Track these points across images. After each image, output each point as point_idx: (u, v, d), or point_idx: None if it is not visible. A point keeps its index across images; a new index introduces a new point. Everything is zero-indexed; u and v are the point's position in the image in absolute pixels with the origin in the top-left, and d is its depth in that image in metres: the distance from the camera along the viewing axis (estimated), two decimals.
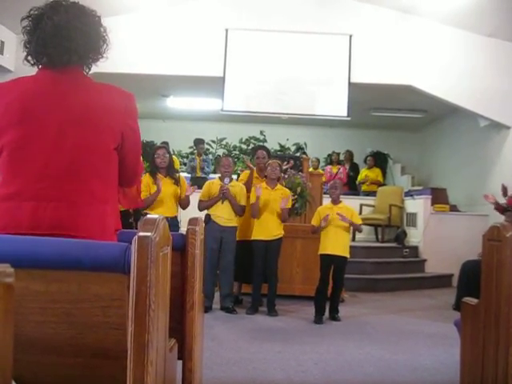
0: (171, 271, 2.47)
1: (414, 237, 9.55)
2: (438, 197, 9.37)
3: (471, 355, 2.88)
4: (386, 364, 4.25)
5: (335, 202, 5.94)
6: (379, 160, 12.24)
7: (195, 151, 11.23)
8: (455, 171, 11.07)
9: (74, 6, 2.01)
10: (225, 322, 5.60)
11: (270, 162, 6.29)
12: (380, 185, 11.24)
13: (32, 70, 2.09)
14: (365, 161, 11.88)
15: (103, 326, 1.56)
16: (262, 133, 12.84)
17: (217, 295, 6.24)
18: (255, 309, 6.05)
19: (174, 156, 11.04)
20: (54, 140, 1.90)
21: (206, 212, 6.18)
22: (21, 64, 2.11)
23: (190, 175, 10.44)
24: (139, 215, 6.19)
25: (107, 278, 1.53)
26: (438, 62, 9.05)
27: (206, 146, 12.26)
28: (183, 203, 6.06)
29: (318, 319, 5.70)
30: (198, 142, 10.99)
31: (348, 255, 5.88)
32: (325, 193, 8.31)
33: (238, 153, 12.89)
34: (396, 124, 12.66)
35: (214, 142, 13.07)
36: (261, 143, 11.58)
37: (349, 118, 9.31)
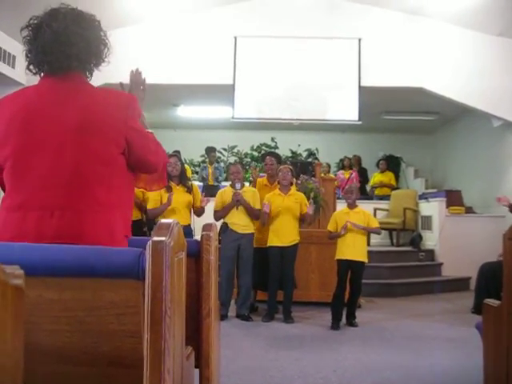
0: (186, 278, 2.45)
1: (430, 240, 9.45)
2: (453, 199, 9.27)
3: (494, 358, 2.81)
4: (406, 369, 4.18)
5: (351, 206, 5.89)
6: (392, 164, 12.15)
7: (207, 160, 11.22)
8: (469, 173, 10.96)
9: (72, 12, 2.00)
10: (241, 330, 5.56)
11: (281, 167, 6.26)
12: (393, 188, 11.15)
13: None
14: (377, 165, 11.80)
15: (118, 333, 1.52)
16: (273, 139, 12.81)
17: (232, 303, 6.20)
18: (271, 316, 6.00)
19: (185, 165, 11.08)
20: (56, 149, 1.89)
21: (222, 221, 6.16)
22: (32, 77, 2.10)
23: (202, 184, 10.42)
24: (152, 224, 6.17)
25: (121, 285, 1.49)
26: (448, 63, 9.00)
27: (218, 154, 12.23)
28: (198, 212, 6.03)
29: (335, 325, 5.63)
30: (210, 151, 10.98)
31: (366, 260, 5.81)
32: (338, 198, 8.25)
33: (249, 160, 12.85)
34: (408, 127, 12.57)
35: (225, 149, 13.04)
36: (272, 150, 11.53)
37: (360, 122, 9.26)
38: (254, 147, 13.11)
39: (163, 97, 10.83)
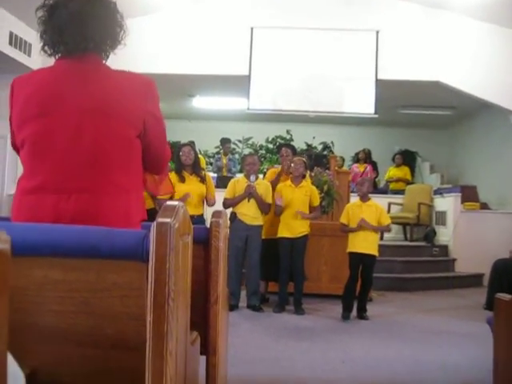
0: (194, 265, 2.43)
1: (444, 235, 9.38)
2: (468, 195, 9.18)
3: (505, 352, 2.78)
4: (416, 363, 4.15)
5: (364, 199, 5.86)
6: (407, 158, 12.07)
7: (221, 151, 11.21)
8: (486, 169, 10.85)
9: None
10: (251, 320, 5.56)
11: (294, 159, 6.23)
12: (408, 183, 11.08)
13: None
14: (393, 159, 11.72)
15: (122, 316, 1.51)
16: (288, 132, 12.77)
17: (243, 294, 6.20)
18: (282, 307, 5.99)
19: (200, 155, 11.08)
20: (73, 130, 1.87)
21: (231, 210, 6.15)
22: (47, 63, 2.09)
23: (216, 175, 10.43)
24: None
25: (125, 267, 1.48)
26: (466, 57, 8.92)
27: (233, 146, 12.23)
28: (209, 202, 6.03)
29: (346, 315, 5.64)
30: (225, 142, 10.97)
31: (377, 254, 5.78)
32: (352, 191, 8.21)
33: (264, 152, 12.83)
34: (424, 121, 12.47)
35: (240, 141, 13.03)
36: (287, 142, 11.49)
37: (376, 116, 9.21)
38: (269, 139, 13.08)
39: (179, 87, 10.83)
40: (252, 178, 6.01)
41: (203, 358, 2.40)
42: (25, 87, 1.93)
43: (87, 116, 1.88)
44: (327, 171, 7.33)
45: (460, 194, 9.15)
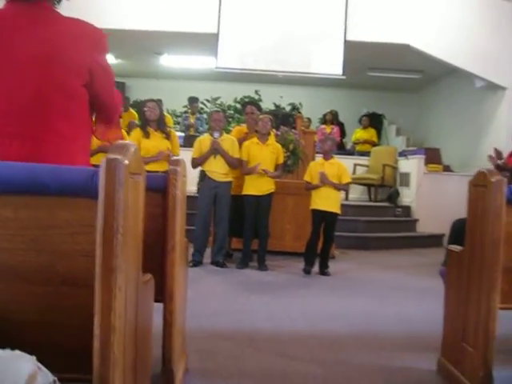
0: (152, 213, 2.46)
1: (407, 196, 9.55)
2: (432, 157, 9.32)
3: (455, 302, 2.88)
4: (373, 315, 4.27)
5: (326, 156, 5.92)
6: (374, 121, 12.15)
7: (189, 110, 11.13)
8: (450, 132, 11.00)
9: None
10: (214, 276, 5.62)
11: (261, 116, 6.23)
12: (374, 145, 11.19)
13: None
14: (359, 121, 11.79)
15: (73, 253, 1.53)
16: (257, 92, 12.70)
17: (208, 250, 6.25)
18: (245, 263, 6.06)
19: (167, 114, 10.98)
20: (17, 76, 1.85)
21: (200, 169, 6.16)
22: None
23: (183, 134, 10.37)
24: None
25: (76, 204, 1.50)
26: (436, 22, 8.92)
27: (201, 105, 12.14)
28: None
29: (307, 269, 5.78)
30: (192, 101, 10.88)
31: (339, 211, 5.88)
32: (317, 152, 8.25)
33: (232, 112, 12.77)
34: (392, 85, 12.51)
35: (208, 101, 12.92)
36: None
37: (344, 77, 9.20)
38: (238, 99, 13.00)
39: (146, 44, 10.66)
40: (216, 134, 6.00)
41: (161, 306, 2.46)
42: None
43: (33, 63, 1.86)
44: (293, 130, 7.34)
45: (424, 156, 9.29)
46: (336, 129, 11.15)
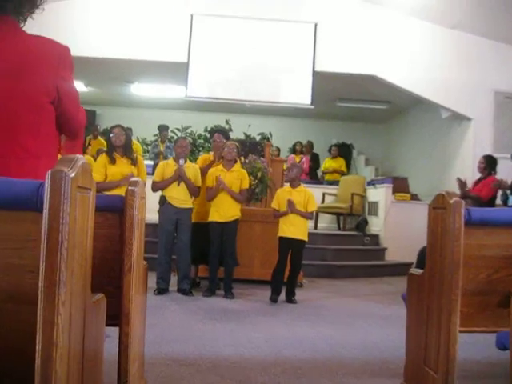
0: (110, 234, 2.43)
1: (375, 225, 9.61)
2: (400, 186, 9.43)
3: (416, 325, 2.87)
4: (338, 342, 4.24)
5: (293, 184, 5.93)
6: (343, 150, 12.29)
7: (159, 138, 11.10)
8: (417, 162, 11.17)
9: None
10: (179, 303, 5.54)
11: (227, 143, 6.24)
12: (343, 174, 11.29)
13: None
14: (329, 150, 11.91)
15: (18, 268, 1.49)
16: (227, 122, 12.74)
17: (175, 279, 6.18)
18: (212, 291, 6.00)
19: (137, 142, 10.95)
20: None
21: (161, 193, 6.13)
22: None
23: (152, 162, 10.33)
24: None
25: (21, 217, 1.46)
26: (402, 53, 9.13)
27: (171, 134, 12.12)
28: None
29: (274, 298, 5.73)
30: (162, 129, 10.88)
31: (306, 239, 5.88)
32: (287, 181, 8.28)
33: (202, 141, 12.78)
34: (361, 115, 12.72)
35: (178, 130, 12.93)
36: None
37: (312, 107, 9.30)
38: (208, 129, 13.02)
39: (117, 73, 10.69)
40: (181, 161, 6.00)
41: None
42: None
43: (0, 76, 1.85)
44: (261, 158, 7.37)
45: (391, 185, 9.40)
46: (305, 158, 11.24)
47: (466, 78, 9.02)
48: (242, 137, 12.35)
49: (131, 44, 9.05)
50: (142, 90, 11.86)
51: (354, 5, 9.19)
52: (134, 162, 5.95)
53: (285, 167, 8.69)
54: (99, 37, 8.90)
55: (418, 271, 2.93)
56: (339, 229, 9.94)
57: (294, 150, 11.83)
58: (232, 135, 11.89)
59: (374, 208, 9.83)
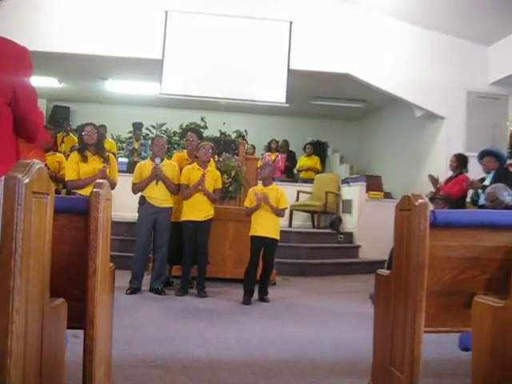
0: (75, 237, 2.40)
1: (349, 223, 9.66)
2: (373, 184, 9.48)
3: (382, 326, 2.89)
4: (309, 342, 4.26)
5: (265, 182, 5.94)
6: (318, 148, 12.32)
7: (134, 135, 11.03)
8: (391, 160, 11.26)
9: None
10: (151, 303, 5.51)
11: (202, 143, 6.22)
12: (318, 172, 11.31)
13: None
14: (304, 149, 11.94)
15: None
16: (202, 119, 12.72)
17: (148, 278, 6.14)
18: (185, 290, 5.98)
19: (111, 140, 10.87)
20: None
21: (140, 194, 6.09)
22: None
23: (127, 159, 10.27)
24: (69, 195, 6.05)
25: None
26: (376, 52, 9.17)
27: (146, 131, 12.07)
28: (111, 182, 5.89)
29: (246, 300, 5.69)
30: (137, 127, 10.80)
31: (278, 237, 5.88)
32: (260, 179, 8.28)
33: (177, 139, 12.73)
34: (336, 113, 12.77)
35: (153, 127, 12.86)
36: (201, 129, 11.45)
37: (287, 105, 9.30)
38: (183, 126, 12.98)
39: (91, 69, 10.59)
40: (157, 160, 5.97)
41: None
42: None
43: None
44: (235, 157, 7.36)
45: (365, 184, 9.44)
46: (280, 156, 11.26)
47: (439, 77, 9.10)
48: (218, 134, 12.36)
49: (105, 40, 8.95)
50: (116, 86, 11.76)
51: (329, 3, 9.20)
52: (106, 161, 5.90)
53: (259, 164, 8.70)
54: (73, 32, 8.79)
55: (385, 272, 2.95)
56: (313, 227, 9.97)
57: (269, 148, 11.84)
58: (207, 132, 11.93)
59: (347, 206, 9.87)
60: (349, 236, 9.43)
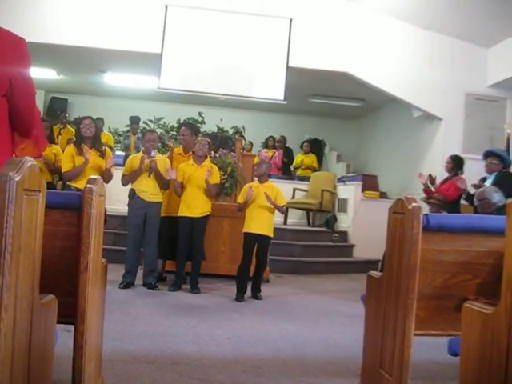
0: (68, 232, 2.40)
1: (344, 222, 9.67)
2: (369, 184, 9.49)
3: (373, 328, 2.90)
4: (300, 340, 4.27)
5: (261, 179, 5.94)
6: (315, 146, 12.31)
7: (131, 130, 11.00)
8: (388, 160, 11.26)
9: None
10: (144, 298, 5.52)
11: (198, 139, 6.21)
12: (315, 170, 11.31)
13: None
14: (301, 146, 11.93)
15: None
16: (200, 114, 12.70)
17: (141, 272, 6.14)
18: (178, 286, 5.98)
19: (108, 133, 10.84)
20: None
21: (130, 187, 6.08)
22: None
23: (123, 153, 10.25)
24: (65, 188, 6.05)
25: None
26: (375, 52, 9.15)
27: (143, 125, 12.04)
28: (105, 176, 5.88)
29: (239, 297, 5.69)
30: (134, 121, 10.77)
31: (272, 235, 5.89)
32: (256, 176, 8.28)
33: (175, 133, 12.69)
34: (334, 112, 12.76)
35: (151, 121, 12.84)
36: (199, 124, 11.44)
37: (285, 102, 9.29)
38: (181, 121, 12.95)
39: (90, 61, 10.55)
40: (153, 152, 5.97)
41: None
42: None
43: None
44: (232, 153, 7.36)
45: (361, 183, 9.45)
46: (278, 153, 11.25)
47: (437, 78, 9.09)
48: (215, 129, 12.35)
49: (105, 33, 8.92)
50: (114, 79, 11.71)
51: (329, 2, 9.17)
52: (103, 154, 5.90)
53: (256, 160, 8.69)
54: (72, 25, 8.75)
55: (377, 274, 2.96)
56: (308, 225, 9.98)
57: (266, 145, 11.83)
58: (205, 127, 11.92)
59: (343, 205, 9.88)
60: (343, 235, 9.44)
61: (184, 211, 5.98)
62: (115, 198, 7.67)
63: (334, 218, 9.59)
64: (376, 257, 8.59)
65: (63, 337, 2.70)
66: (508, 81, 8.73)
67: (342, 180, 10.26)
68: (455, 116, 9.17)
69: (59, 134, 9.86)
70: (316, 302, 6.08)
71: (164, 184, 6.02)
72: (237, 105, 11.76)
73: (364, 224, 9.12)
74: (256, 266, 5.89)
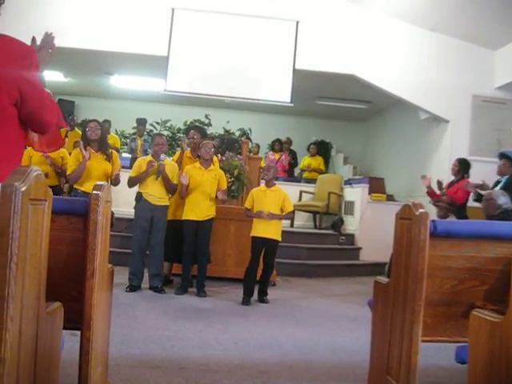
0: (74, 238, 2.40)
1: (351, 225, 9.64)
2: (376, 186, 9.46)
3: (380, 334, 2.89)
4: (307, 345, 4.26)
5: (268, 184, 5.93)
6: (322, 149, 12.29)
7: (137, 132, 11.02)
8: (394, 162, 11.22)
9: None
10: (150, 301, 5.52)
11: (204, 142, 6.21)
12: (321, 173, 11.29)
13: None
14: (308, 148, 11.91)
15: None
16: (207, 116, 12.71)
17: (147, 275, 6.14)
18: (184, 289, 5.98)
19: (115, 135, 10.86)
20: None
21: (137, 190, 6.08)
22: None
23: (130, 156, 10.26)
24: (72, 191, 6.06)
25: None
26: (382, 54, 9.13)
27: (150, 127, 12.06)
28: (112, 181, 5.90)
29: (246, 301, 5.68)
30: (140, 123, 10.78)
31: (280, 239, 5.87)
32: (263, 178, 8.27)
33: (181, 135, 12.71)
34: (341, 114, 12.74)
35: (158, 123, 12.86)
36: (205, 127, 11.45)
37: (291, 104, 9.28)
38: (188, 123, 12.97)
39: (96, 64, 10.58)
40: (162, 156, 5.97)
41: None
42: None
43: None
44: (238, 156, 7.35)
45: (368, 186, 9.42)
46: (284, 156, 11.25)
47: (444, 80, 9.06)
48: (222, 131, 12.36)
49: (112, 36, 8.95)
50: (121, 81, 11.75)
51: (336, 4, 9.16)
52: (109, 158, 5.90)
53: (263, 163, 8.69)
54: (79, 28, 8.78)
55: (384, 280, 2.94)
56: (315, 227, 9.96)
57: (272, 147, 11.81)
58: (211, 130, 11.93)
59: (350, 207, 9.86)
60: (350, 238, 9.41)
61: (189, 215, 5.97)
62: (122, 201, 7.68)
63: (341, 221, 9.56)
64: (383, 259, 8.57)
65: (70, 341, 2.70)
66: None
67: (348, 182, 10.23)
68: (462, 118, 9.13)
69: (66, 136, 9.88)
70: (323, 305, 6.06)
71: (171, 188, 6.02)
72: (243, 107, 11.77)
73: (371, 226, 9.10)
74: (263, 269, 5.88)
